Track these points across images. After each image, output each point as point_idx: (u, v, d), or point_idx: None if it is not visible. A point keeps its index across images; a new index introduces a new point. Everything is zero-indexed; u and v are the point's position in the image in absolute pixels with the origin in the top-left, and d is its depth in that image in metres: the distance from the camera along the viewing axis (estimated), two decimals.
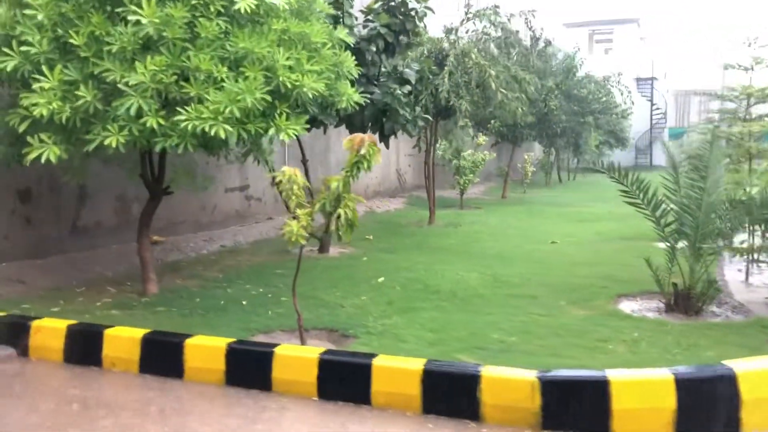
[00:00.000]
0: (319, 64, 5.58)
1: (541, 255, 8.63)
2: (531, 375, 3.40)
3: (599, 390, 3.34)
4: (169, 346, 4.11)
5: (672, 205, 5.90)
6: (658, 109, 36.11)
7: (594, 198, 18.02)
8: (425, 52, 9.66)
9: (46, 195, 7.37)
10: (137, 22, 4.90)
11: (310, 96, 5.36)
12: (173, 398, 4.17)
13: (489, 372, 3.45)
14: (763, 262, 7.06)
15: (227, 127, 4.78)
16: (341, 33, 6.14)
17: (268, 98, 4.99)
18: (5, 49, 4.93)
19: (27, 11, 4.94)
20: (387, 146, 8.45)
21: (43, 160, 4.87)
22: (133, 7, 4.88)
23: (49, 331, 4.36)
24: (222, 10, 5.29)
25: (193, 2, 5.11)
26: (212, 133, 4.73)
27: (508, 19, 11.09)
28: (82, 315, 5.60)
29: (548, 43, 15.65)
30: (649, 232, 11.26)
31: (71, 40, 4.96)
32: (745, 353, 4.48)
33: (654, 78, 35.33)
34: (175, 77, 4.93)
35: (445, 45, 10.33)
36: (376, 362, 3.69)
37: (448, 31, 10.71)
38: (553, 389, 3.34)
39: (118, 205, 8.30)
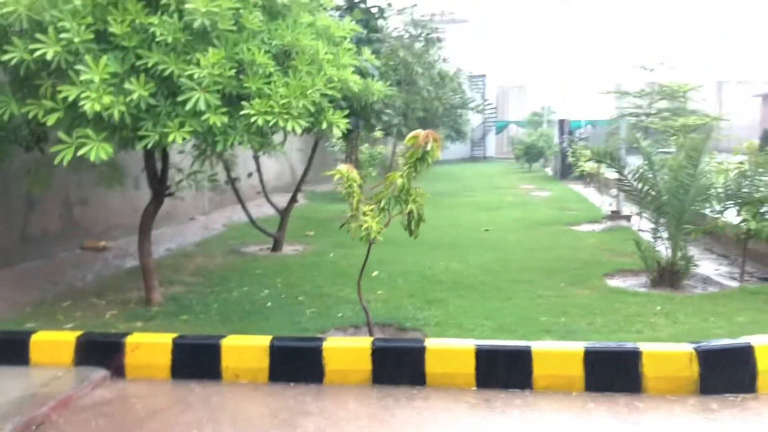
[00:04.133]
0: (350, 58, 5.54)
1: (492, 242, 9.12)
2: (687, 347, 3.76)
3: (746, 355, 3.78)
4: (304, 352, 3.92)
5: (652, 191, 6.59)
6: (490, 104, 38.57)
7: (465, 188, 19.01)
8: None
9: None
10: (185, 12, 4.59)
11: (356, 90, 5.32)
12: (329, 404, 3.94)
13: (648, 348, 3.76)
14: None
15: (301, 122, 4.63)
16: (349, 25, 6.10)
17: (337, 94, 4.89)
18: (39, 36, 4.37)
19: None
20: (347, 142, 8.45)
21: (92, 158, 4.39)
22: None
23: (151, 348, 3.96)
24: (259, 2, 5.10)
25: None
26: (289, 128, 4.56)
27: (431, 18, 11.45)
28: (105, 329, 5.13)
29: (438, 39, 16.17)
30: (557, 217, 12.41)
31: (111, 29, 4.53)
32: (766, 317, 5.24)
33: (484, 75, 37.66)
34: (233, 71, 4.68)
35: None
36: (536, 348, 3.84)
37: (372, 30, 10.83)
38: (707, 358, 3.72)
39: (63, 210, 7.53)
